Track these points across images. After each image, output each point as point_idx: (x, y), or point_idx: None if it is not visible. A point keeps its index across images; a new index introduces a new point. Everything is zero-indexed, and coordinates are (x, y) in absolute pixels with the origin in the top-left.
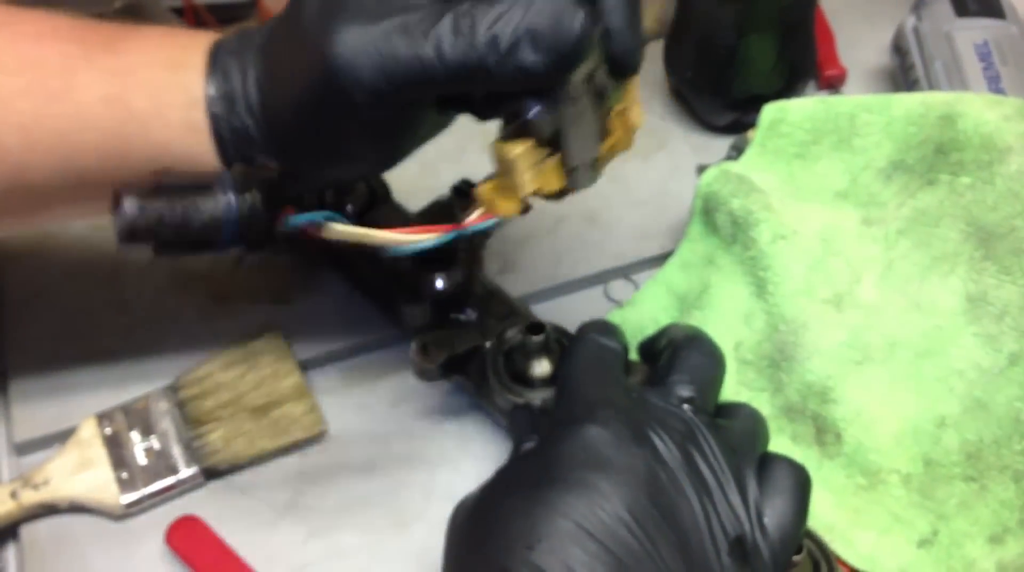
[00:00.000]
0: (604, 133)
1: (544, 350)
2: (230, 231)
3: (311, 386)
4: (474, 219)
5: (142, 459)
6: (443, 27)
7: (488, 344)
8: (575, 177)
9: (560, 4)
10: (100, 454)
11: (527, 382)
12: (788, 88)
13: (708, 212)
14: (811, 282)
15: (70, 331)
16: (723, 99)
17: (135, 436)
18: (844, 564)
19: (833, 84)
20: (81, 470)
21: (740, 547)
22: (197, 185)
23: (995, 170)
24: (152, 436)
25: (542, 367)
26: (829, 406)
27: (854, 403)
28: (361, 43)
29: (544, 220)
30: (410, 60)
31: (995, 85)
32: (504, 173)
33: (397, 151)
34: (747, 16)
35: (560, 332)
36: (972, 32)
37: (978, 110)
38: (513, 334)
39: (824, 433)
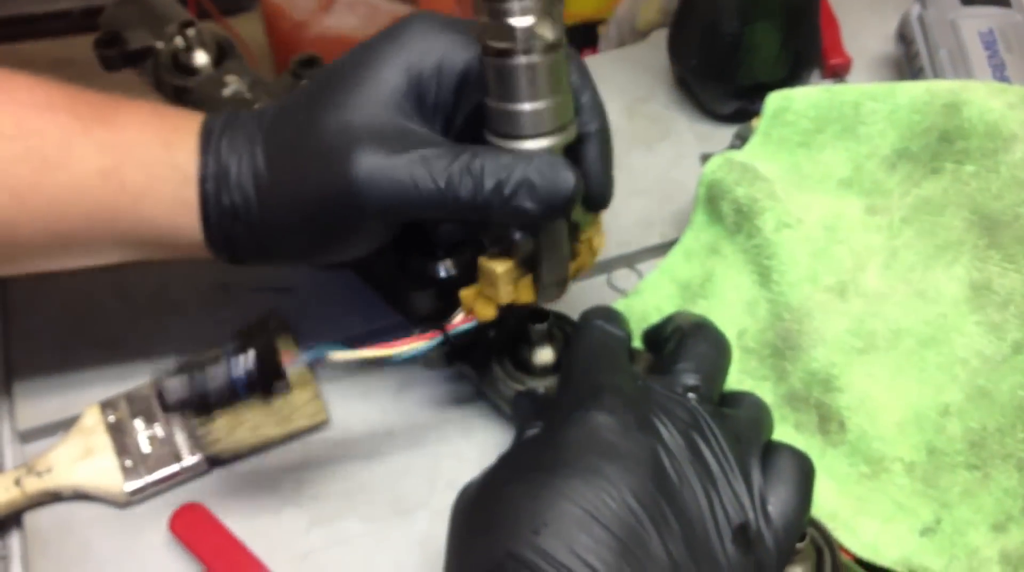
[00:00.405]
0: (573, 256)
1: (547, 338)
2: (243, 386)
3: (314, 375)
4: (457, 322)
5: (146, 447)
6: (458, 166)
7: (492, 332)
8: (545, 293)
9: (556, 166)
10: (104, 442)
11: (530, 370)
12: (793, 76)
13: (712, 200)
14: (815, 270)
15: (74, 320)
16: (728, 87)
17: (139, 424)
18: (847, 552)
19: (838, 73)
20: (85, 458)
21: (744, 535)
22: (209, 360)
23: (1000, 158)
24: (156, 424)
25: (545, 355)
26: (833, 394)
27: (858, 391)
28: (384, 169)
29: None
30: (427, 191)
31: (1000, 73)
32: (487, 284)
33: (371, 248)
34: (752, 3)
35: (563, 320)
36: (977, 20)
37: (983, 98)
38: (517, 322)
39: (827, 421)
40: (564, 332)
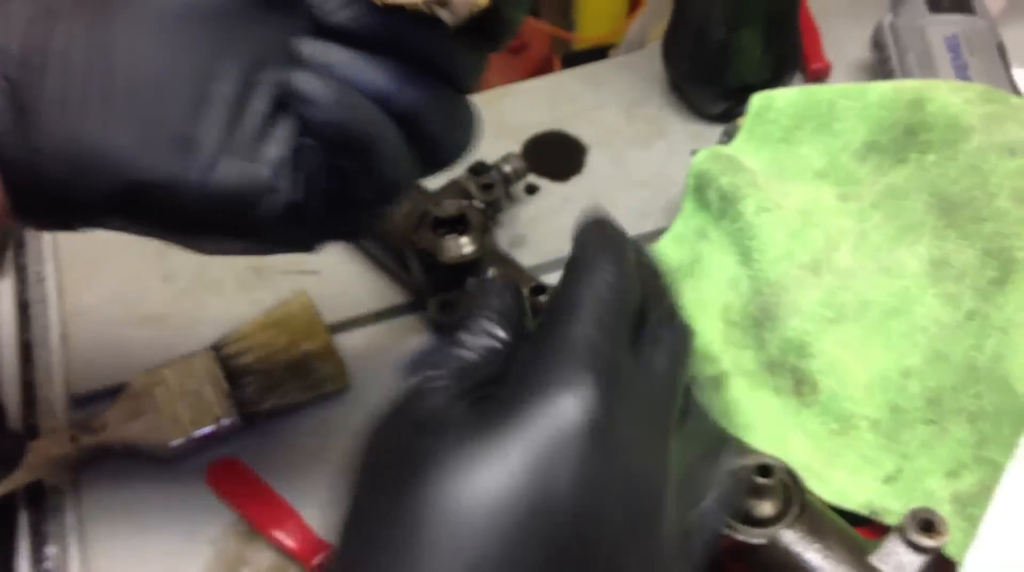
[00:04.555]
0: None
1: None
2: None
3: (338, 346)
4: None
5: (187, 409)
6: None
7: None
8: None
9: None
10: (151, 404)
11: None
12: (776, 78)
13: (700, 189)
14: (791, 249)
15: (122, 299)
16: (716, 89)
17: (181, 389)
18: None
19: (819, 77)
20: (134, 418)
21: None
22: None
23: (958, 147)
24: (197, 388)
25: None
26: (806, 360)
27: (829, 356)
28: None
29: (552, 199)
30: None
31: (962, 74)
32: None
33: None
34: (737, 11)
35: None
36: (943, 26)
37: (944, 95)
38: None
39: (802, 384)
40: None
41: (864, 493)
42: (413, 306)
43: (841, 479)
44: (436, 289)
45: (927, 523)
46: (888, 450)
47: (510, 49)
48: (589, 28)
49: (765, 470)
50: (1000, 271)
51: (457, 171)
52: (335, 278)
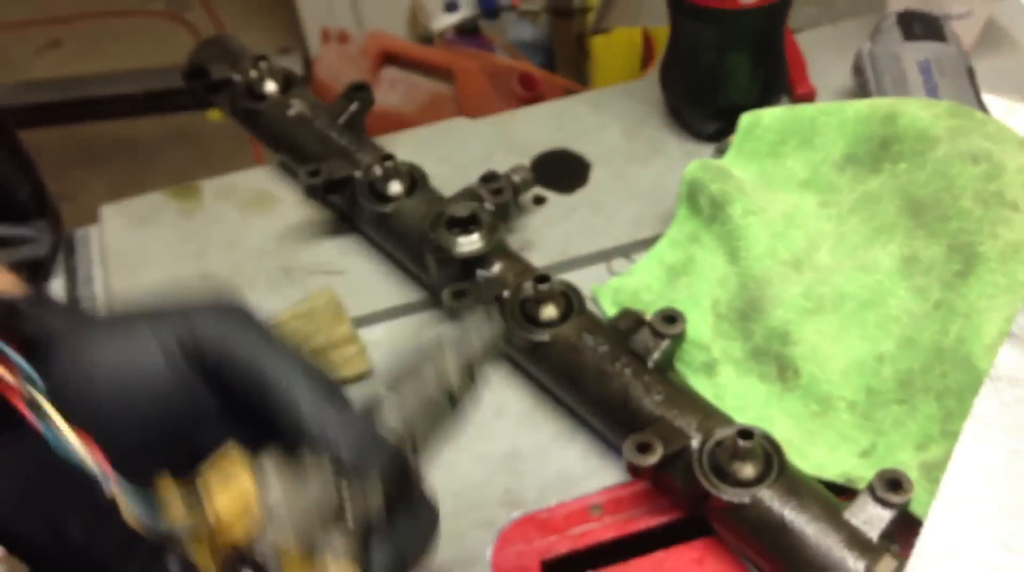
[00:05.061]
0: None
1: (550, 298)
2: None
3: (360, 338)
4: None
5: None
6: None
7: (506, 293)
8: None
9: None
10: None
11: (537, 323)
12: (764, 100)
13: (692, 195)
14: (775, 247)
15: (164, 296)
16: (709, 109)
17: None
18: None
19: (804, 100)
20: None
21: None
22: None
23: (927, 156)
24: None
25: (549, 312)
26: (789, 347)
27: (809, 344)
28: None
29: (559, 209)
30: None
31: (933, 94)
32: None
33: None
34: (725, 38)
35: (566, 285)
36: (916, 52)
37: (915, 110)
38: (527, 286)
39: (785, 370)
40: (566, 295)
41: (841, 466)
42: (429, 303)
43: (820, 454)
44: (449, 282)
45: (895, 482)
46: (864, 429)
47: (524, 99)
48: (602, 82)
49: (746, 434)
50: (964, 264)
51: (470, 180)
52: (358, 277)
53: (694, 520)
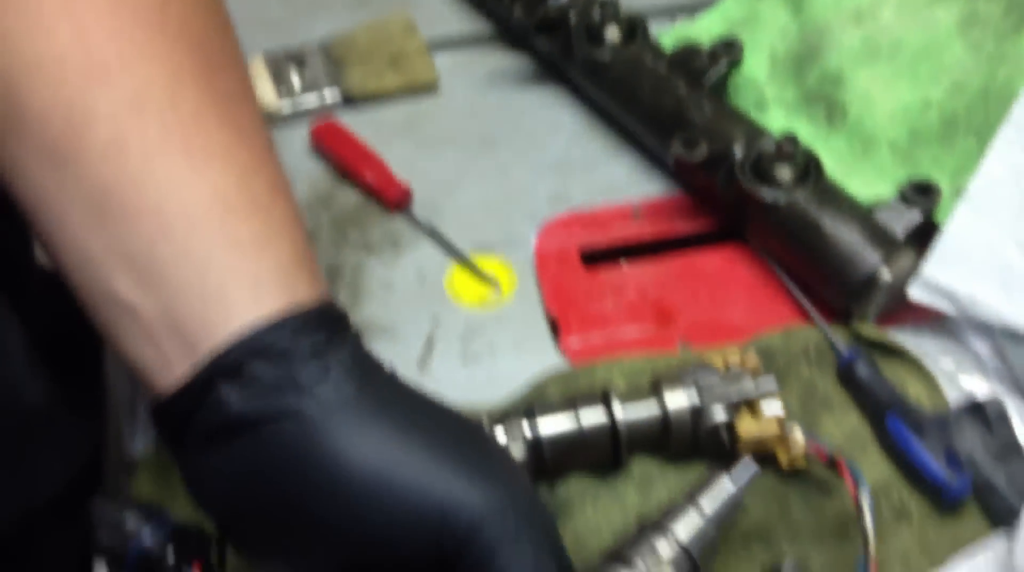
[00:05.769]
0: None
1: (615, 20)
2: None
3: (429, 52)
4: None
5: (297, 82)
6: None
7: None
8: None
9: None
10: (263, 74)
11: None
12: None
13: None
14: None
15: None
16: None
17: (292, 67)
18: None
19: None
20: None
21: None
22: None
23: None
24: (305, 68)
25: (612, 33)
26: (841, 91)
27: (861, 89)
28: None
29: None
30: None
31: None
32: None
33: None
34: None
35: (632, 14)
36: None
37: None
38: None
39: (833, 111)
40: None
41: (874, 189)
42: (502, 36)
43: (857, 185)
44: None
45: (924, 187)
46: (903, 167)
47: None
48: None
49: (789, 141)
50: (1021, 18)
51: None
52: (433, 4)
53: (725, 233)
